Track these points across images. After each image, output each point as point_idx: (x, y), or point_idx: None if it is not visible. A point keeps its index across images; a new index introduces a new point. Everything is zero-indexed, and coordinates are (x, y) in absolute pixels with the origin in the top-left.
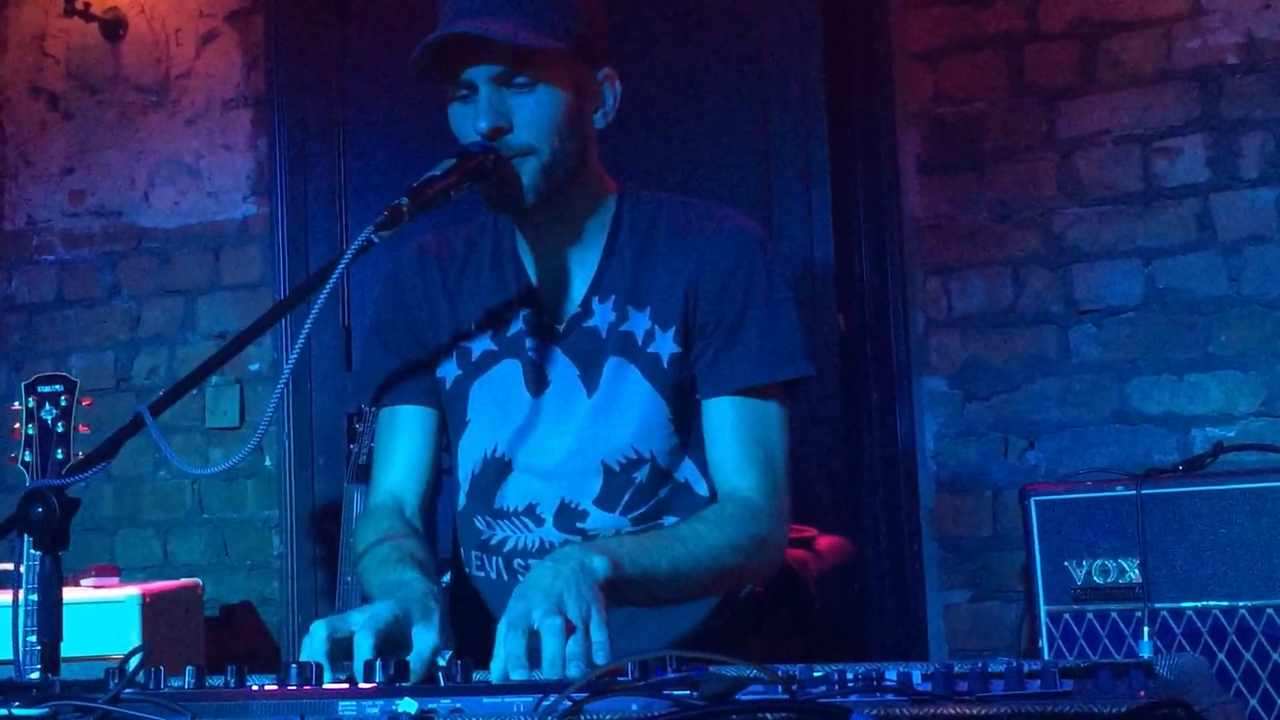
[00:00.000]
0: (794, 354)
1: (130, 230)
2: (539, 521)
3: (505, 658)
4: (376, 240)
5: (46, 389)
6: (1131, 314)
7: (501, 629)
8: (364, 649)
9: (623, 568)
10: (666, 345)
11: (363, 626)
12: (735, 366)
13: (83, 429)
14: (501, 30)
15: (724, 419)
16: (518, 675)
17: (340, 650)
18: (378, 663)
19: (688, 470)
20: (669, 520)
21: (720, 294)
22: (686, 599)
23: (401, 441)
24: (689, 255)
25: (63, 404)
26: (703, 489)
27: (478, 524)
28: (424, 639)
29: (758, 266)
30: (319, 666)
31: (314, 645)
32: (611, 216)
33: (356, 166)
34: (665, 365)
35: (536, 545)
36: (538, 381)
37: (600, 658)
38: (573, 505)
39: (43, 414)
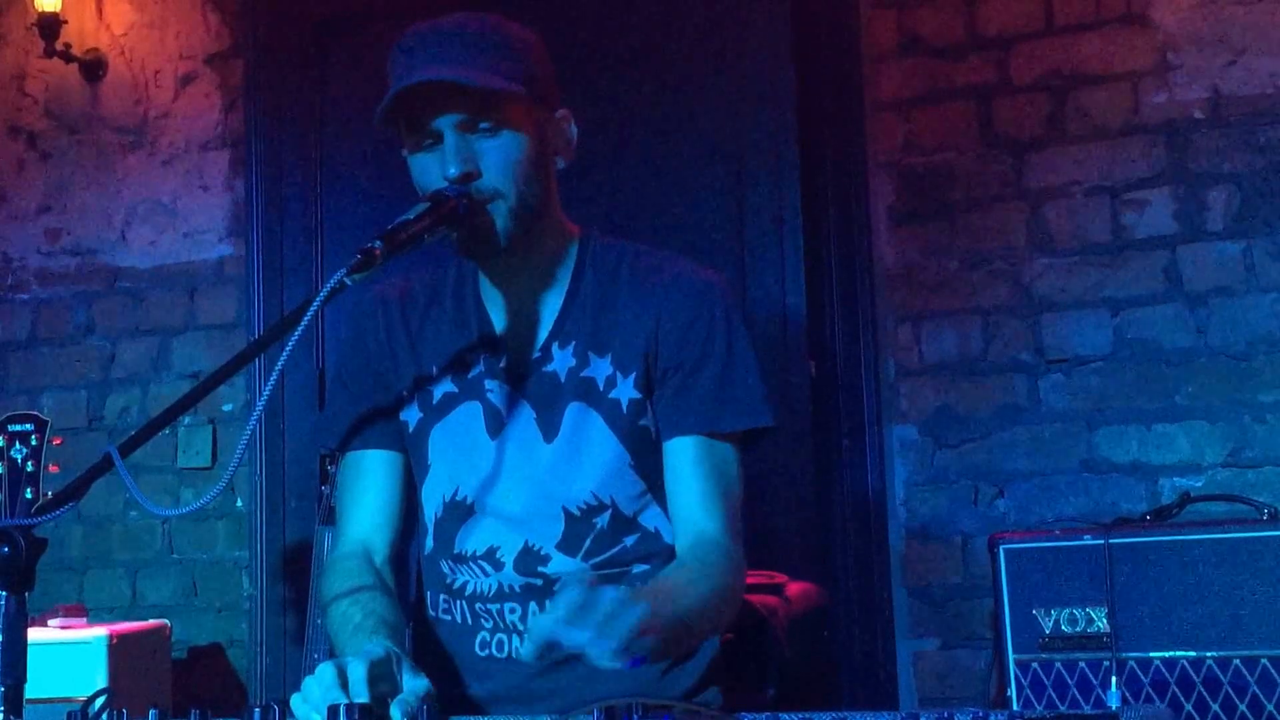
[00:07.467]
0: (751, 404)
1: (105, 269)
2: (498, 566)
3: (563, 604)
4: (349, 283)
5: (17, 428)
6: (1100, 364)
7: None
8: (359, 683)
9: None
10: (627, 391)
11: (356, 664)
12: (692, 411)
13: (53, 468)
14: (467, 76)
15: (685, 458)
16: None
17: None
18: (341, 706)
19: (656, 519)
20: (639, 569)
21: (680, 343)
22: (682, 652)
23: (369, 487)
24: (650, 303)
25: (33, 443)
26: (671, 538)
27: (443, 568)
28: (415, 683)
29: (717, 317)
30: (282, 710)
31: (323, 681)
32: (574, 261)
33: (333, 209)
34: (625, 411)
35: (494, 589)
36: (497, 425)
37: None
38: (535, 549)
39: (13, 453)
